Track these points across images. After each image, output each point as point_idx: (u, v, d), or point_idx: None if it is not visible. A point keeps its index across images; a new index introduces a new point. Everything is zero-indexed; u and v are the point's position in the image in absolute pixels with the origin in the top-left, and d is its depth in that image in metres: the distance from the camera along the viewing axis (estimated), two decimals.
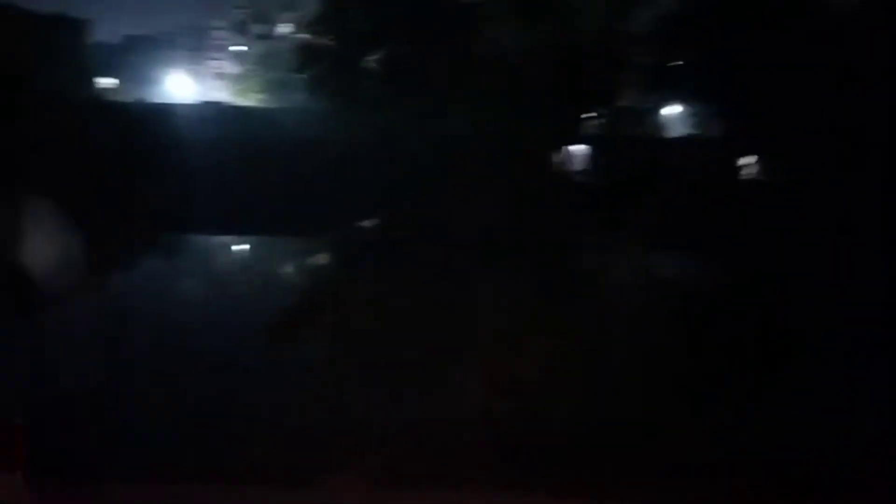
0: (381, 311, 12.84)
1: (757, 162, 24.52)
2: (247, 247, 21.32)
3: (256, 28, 40.80)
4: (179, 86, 38.09)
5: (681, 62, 24.87)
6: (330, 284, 16.77)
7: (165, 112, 26.05)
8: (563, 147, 25.42)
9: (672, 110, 26.19)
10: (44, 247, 14.10)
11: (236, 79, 37.45)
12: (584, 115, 25.44)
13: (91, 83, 32.58)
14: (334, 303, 14.10)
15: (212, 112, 26.99)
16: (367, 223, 21.46)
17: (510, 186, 20.87)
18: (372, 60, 23.84)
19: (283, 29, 38.33)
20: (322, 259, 19.76)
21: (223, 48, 41.74)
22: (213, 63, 41.20)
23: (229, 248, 21.03)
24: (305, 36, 27.17)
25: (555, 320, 11.95)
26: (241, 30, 41.82)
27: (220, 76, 39.51)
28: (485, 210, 19.88)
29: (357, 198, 19.96)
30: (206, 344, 10.42)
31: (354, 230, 20.68)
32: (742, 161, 24.55)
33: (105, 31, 37.62)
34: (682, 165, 23.58)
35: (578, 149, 25.73)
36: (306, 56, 25.39)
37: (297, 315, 12.74)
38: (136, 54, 38.68)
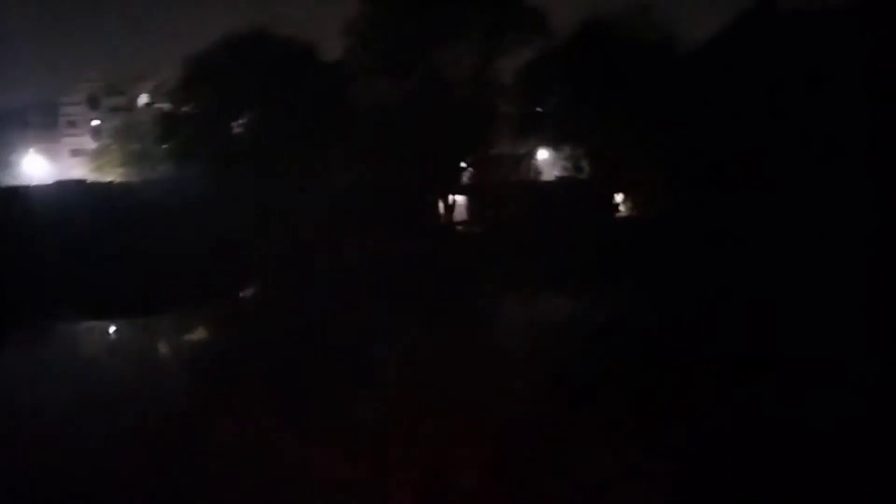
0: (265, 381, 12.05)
1: (626, 199, 25.31)
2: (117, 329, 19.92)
3: (111, 101, 39.24)
4: (33, 165, 36.06)
5: (551, 109, 25.52)
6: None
7: (16, 194, 24.34)
8: (443, 195, 25.48)
9: (544, 155, 26.73)
10: None
11: (93, 154, 35.66)
12: (460, 164, 25.60)
13: None
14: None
15: (69, 190, 25.41)
16: (244, 290, 20.55)
17: (390, 240, 20.57)
18: (237, 125, 23.22)
19: (141, 100, 37.10)
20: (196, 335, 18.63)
21: (77, 123, 39.98)
22: (68, 139, 39.40)
23: (100, 333, 19.56)
24: (165, 105, 26.22)
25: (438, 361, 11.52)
26: (94, 104, 40.16)
27: (77, 152, 37.72)
28: (364, 265, 19.46)
29: (231, 265, 19.09)
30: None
31: (230, 300, 19.67)
32: (614, 199, 25.26)
33: None
34: (556, 207, 24.01)
35: (458, 197, 25.84)
36: (167, 126, 24.51)
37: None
38: None
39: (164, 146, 24.67)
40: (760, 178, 19.74)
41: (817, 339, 10.93)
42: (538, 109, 25.53)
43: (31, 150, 37.31)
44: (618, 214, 25.67)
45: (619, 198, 25.79)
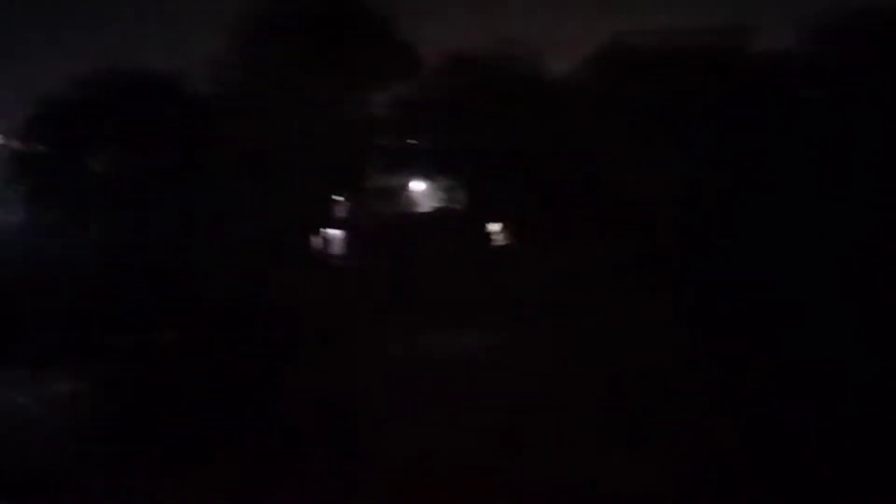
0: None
1: (503, 230, 25.66)
2: None
3: None
4: None
5: (425, 141, 25.74)
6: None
7: None
8: (317, 230, 25.22)
9: (418, 187, 26.84)
10: None
11: None
12: (333, 199, 25.42)
13: None
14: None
15: None
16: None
17: (261, 276, 20.21)
18: (95, 163, 22.37)
19: None
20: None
21: None
22: None
23: None
24: (16, 144, 25.06)
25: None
26: None
27: None
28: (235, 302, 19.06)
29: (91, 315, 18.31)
30: None
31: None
32: (489, 229, 25.58)
33: None
34: (432, 238, 24.15)
35: (332, 233, 25.60)
36: (19, 166, 23.33)
37: None
38: None
39: (17, 186, 23.51)
40: (626, 208, 20.47)
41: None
42: (412, 142, 25.69)
43: None
44: (493, 244, 26.00)
45: (494, 227, 26.14)
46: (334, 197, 25.60)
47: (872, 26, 19.80)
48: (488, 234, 25.72)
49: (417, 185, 26.82)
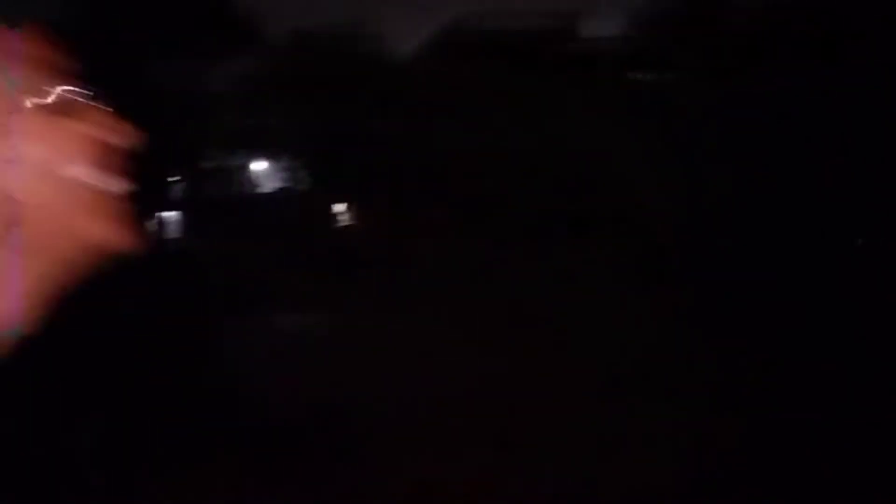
0: None
1: (348, 209, 25.48)
2: None
3: None
4: None
5: (266, 120, 25.03)
6: None
7: None
8: (153, 211, 24.07)
9: (260, 166, 26.17)
10: None
11: None
12: (169, 179, 24.33)
13: None
14: None
15: None
16: None
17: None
18: None
19: None
20: None
21: None
22: None
23: None
24: None
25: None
26: None
27: None
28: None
29: None
30: None
31: None
32: (333, 209, 25.32)
33: None
34: (275, 218, 23.63)
35: (168, 215, 24.52)
36: None
37: None
38: None
39: None
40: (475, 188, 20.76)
41: None
42: (253, 120, 25.00)
43: None
44: (338, 224, 25.80)
45: (339, 207, 25.91)
46: (170, 178, 24.53)
47: (698, 12, 20.78)
48: (332, 214, 25.48)
49: (258, 165, 26.15)
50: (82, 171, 1.09)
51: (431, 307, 14.95)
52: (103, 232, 1.12)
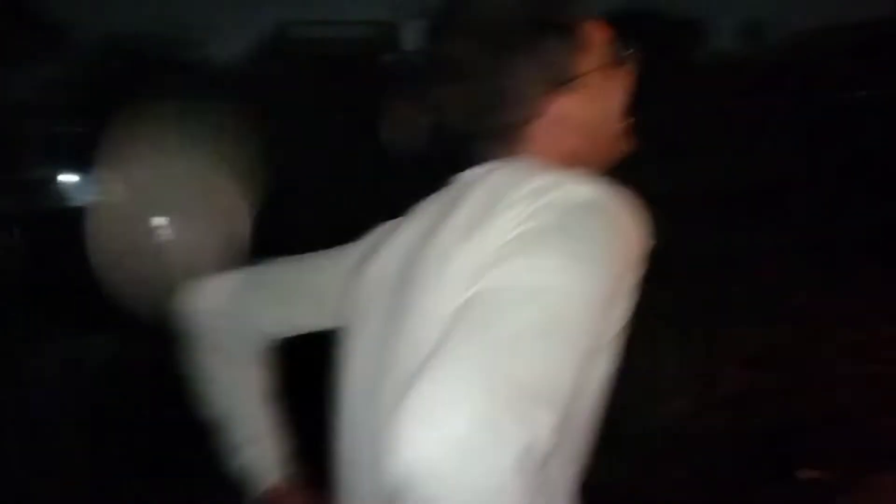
0: None
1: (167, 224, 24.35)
2: None
3: None
4: None
5: (76, 129, 23.64)
6: None
7: None
8: None
9: (72, 179, 24.68)
10: None
11: None
12: None
13: None
14: None
15: None
16: None
17: None
18: None
19: None
20: None
21: None
22: None
23: None
24: None
25: None
26: None
27: None
28: None
29: None
30: None
31: None
32: (152, 223, 24.15)
33: None
34: (88, 233, 22.31)
35: None
36: None
37: None
38: None
39: None
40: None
41: None
42: (60, 130, 23.60)
43: None
44: (159, 239, 24.60)
45: (158, 221, 24.73)
46: None
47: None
48: (151, 229, 24.29)
49: (68, 177, 24.67)
50: None
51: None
52: None
